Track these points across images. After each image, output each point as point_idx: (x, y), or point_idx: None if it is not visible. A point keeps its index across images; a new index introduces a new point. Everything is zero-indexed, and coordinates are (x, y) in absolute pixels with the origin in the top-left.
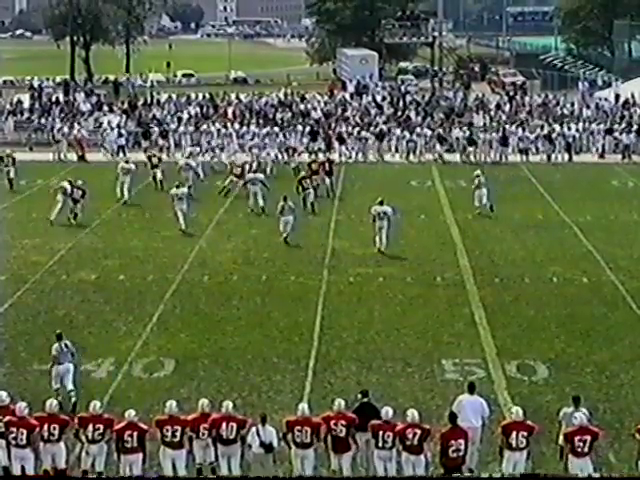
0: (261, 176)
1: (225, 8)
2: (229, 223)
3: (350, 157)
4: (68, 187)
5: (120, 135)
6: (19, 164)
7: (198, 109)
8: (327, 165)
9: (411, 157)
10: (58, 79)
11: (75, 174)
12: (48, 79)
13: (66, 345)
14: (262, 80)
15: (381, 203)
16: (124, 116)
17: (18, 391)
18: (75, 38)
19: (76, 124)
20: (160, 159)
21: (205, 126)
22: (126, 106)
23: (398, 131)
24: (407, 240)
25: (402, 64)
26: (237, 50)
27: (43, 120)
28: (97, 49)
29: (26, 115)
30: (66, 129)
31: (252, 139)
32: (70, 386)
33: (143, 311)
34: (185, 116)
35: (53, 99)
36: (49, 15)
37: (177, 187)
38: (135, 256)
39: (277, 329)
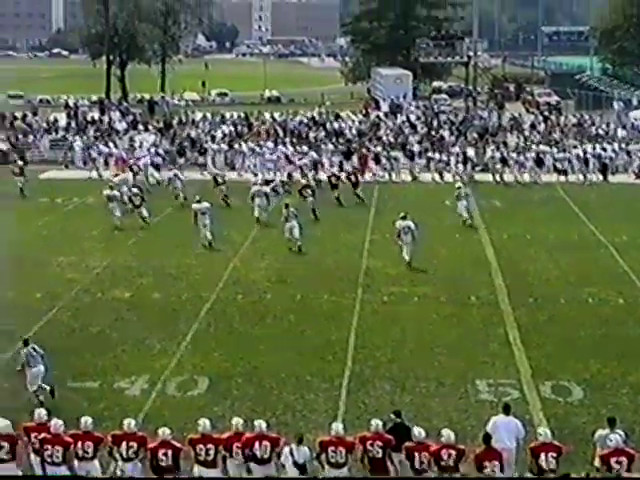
0: (266, 188)
1: (260, 27)
2: (263, 241)
3: (383, 176)
4: (116, 194)
5: (156, 154)
6: (57, 182)
7: (232, 128)
8: (353, 177)
9: (446, 176)
10: (94, 98)
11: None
12: (84, 98)
13: (34, 349)
14: (296, 99)
15: (404, 218)
16: (159, 135)
17: (52, 408)
18: (111, 57)
19: (111, 143)
20: (224, 178)
21: (238, 145)
22: (161, 125)
23: (431, 151)
24: (441, 259)
25: (436, 83)
26: (271, 69)
27: (79, 138)
28: (133, 68)
29: (62, 133)
30: (102, 147)
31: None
32: (44, 385)
33: (177, 329)
34: (219, 135)
35: (89, 118)
36: (86, 34)
37: (199, 202)
38: (169, 274)
39: (311, 348)
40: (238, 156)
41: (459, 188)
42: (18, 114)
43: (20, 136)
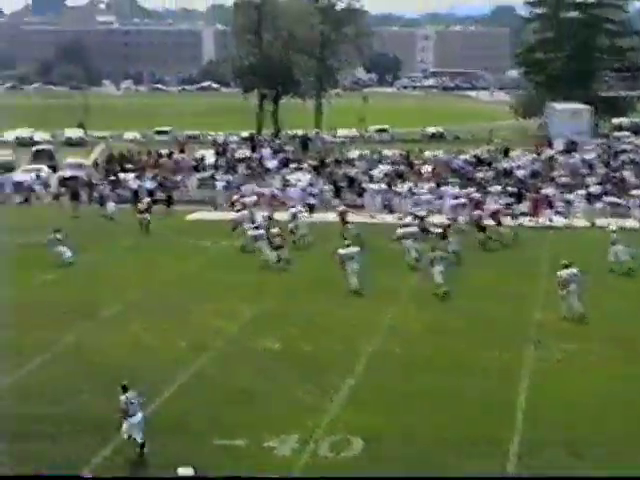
0: (414, 229)
1: (423, 59)
2: (422, 288)
3: (558, 221)
4: (262, 232)
5: (310, 194)
6: (204, 223)
7: (391, 167)
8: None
9: (629, 222)
10: (244, 134)
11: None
12: (232, 134)
13: (133, 397)
14: (462, 136)
15: (568, 266)
16: (313, 173)
17: (196, 466)
18: (264, 90)
19: (262, 182)
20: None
21: (395, 185)
22: (316, 163)
23: (611, 194)
24: (619, 314)
25: (617, 119)
26: (435, 103)
27: (229, 176)
28: (286, 102)
29: (210, 172)
30: (252, 186)
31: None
32: (140, 438)
33: (330, 384)
34: (377, 174)
35: (238, 155)
36: (238, 66)
37: (347, 247)
38: (321, 324)
39: (474, 408)
40: (396, 197)
41: (613, 232)
42: (164, 151)
43: (167, 175)
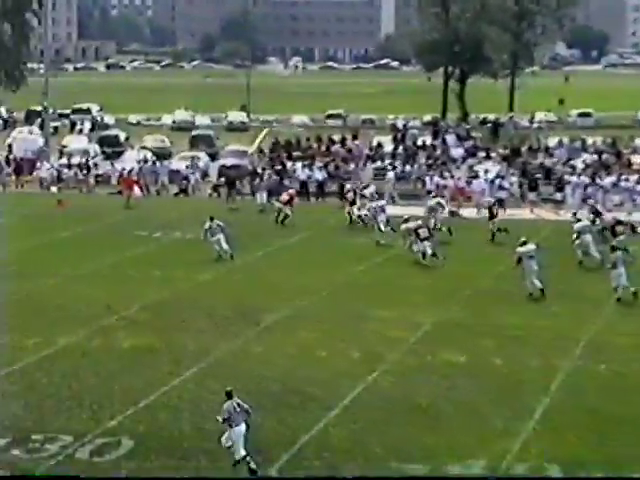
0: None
1: (634, 33)
2: (627, 300)
3: None
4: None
5: (500, 187)
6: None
7: (595, 156)
8: None
9: None
10: (427, 118)
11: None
12: (415, 118)
13: (238, 404)
14: None
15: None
16: (504, 164)
17: None
18: (450, 69)
19: (446, 173)
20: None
21: (599, 178)
22: (507, 152)
23: None
24: None
25: None
26: None
27: (408, 167)
28: (475, 82)
29: (387, 161)
30: (437, 179)
31: None
32: (242, 452)
33: (523, 404)
34: (579, 165)
35: (419, 142)
36: (420, 41)
37: (524, 244)
38: (514, 336)
39: None
40: (599, 192)
41: None
42: (336, 137)
43: (340, 163)
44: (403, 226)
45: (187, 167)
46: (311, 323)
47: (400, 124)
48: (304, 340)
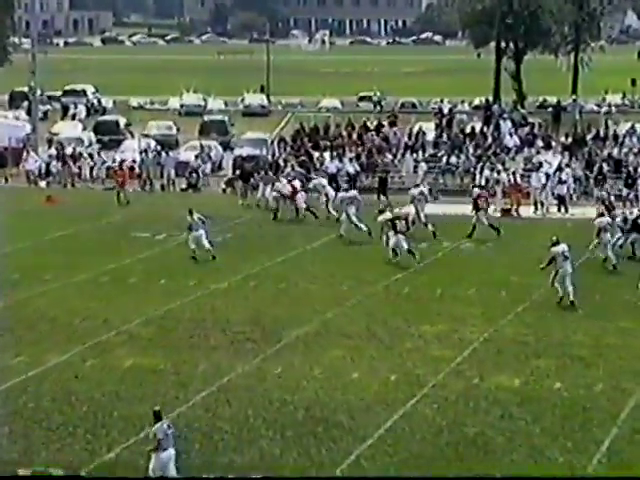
0: None
1: None
2: None
3: None
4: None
5: (560, 181)
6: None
7: None
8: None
9: None
10: (476, 101)
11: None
12: (462, 102)
13: (169, 426)
14: None
15: None
16: (566, 155)
17: None
18: (503, 44)
19: (499, 165)
20: None
21: None
22: (569, 141)
23: None
24: None
25: None
26: None
27: (453, 159)
28: (532, 59)
29: (430, 151)
30: (487, 172)
31: None
32: (174, 473)
33: (587, 435)
34: None
35: (467, 129)
36: (467, 12)
37: (556, 243)
38: (577, 356)
39: None
40: None
41: None
42: (370, 123)
43: (374, 154)
44: (380, 217)
45: (197, 158)
46: (339, 339)
47: (445, 108)
48: (331, 359)
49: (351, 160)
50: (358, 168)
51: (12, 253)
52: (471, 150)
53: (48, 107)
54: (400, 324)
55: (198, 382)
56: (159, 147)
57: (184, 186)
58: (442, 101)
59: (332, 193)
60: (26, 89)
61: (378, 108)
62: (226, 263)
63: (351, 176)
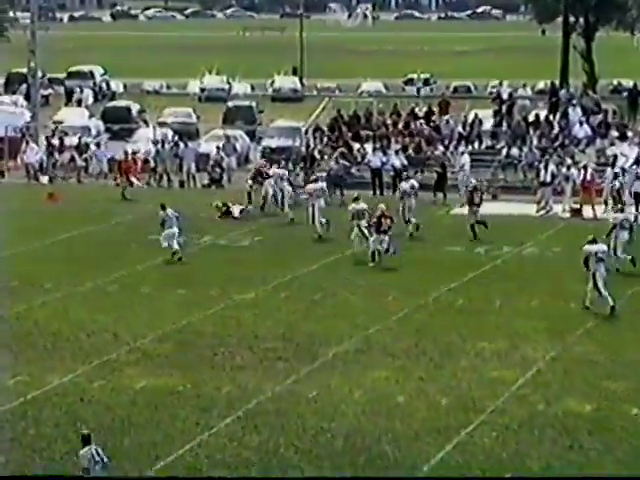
0: None
1: None
2: None
3: None
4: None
5: (638, 177)
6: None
7: None
8: None
9: None
10: (540, 85)
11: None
12: (525, 85)
13: (97, 452)
14: None
15: None
16: None
17: None
18: (571, 19)
19: (568, 158)
20: None
21: None
22: None
23: None
24: None
25: None
26: None
27: (514, 151)
28: (605, 37)
29: (487, 143)
30: (553, 167)
31: None
32: None
33: None
34: None
35: (531, 117)
36: None
37: (593, 242)
38: None
39: None
40: None
41: None
42: (419, 110)
43: (423, 145)
44: (351, 206)
45: (220, 150)
46: (383, 358)
47: (504, 93)
48: (374, 381)
49: (397, 152)
50: (405, 162)
51: (9, 258)
52: (535, 141)
53: (50, 91)
54: (453, 340)
55: (222, 406)
56: (177, 137)
57: (206, 182)
58: (501, 84)
59: (289, 189)
60: (25, 70)
61: (427, 92)
62: (254, 270)
63: (397, 171)
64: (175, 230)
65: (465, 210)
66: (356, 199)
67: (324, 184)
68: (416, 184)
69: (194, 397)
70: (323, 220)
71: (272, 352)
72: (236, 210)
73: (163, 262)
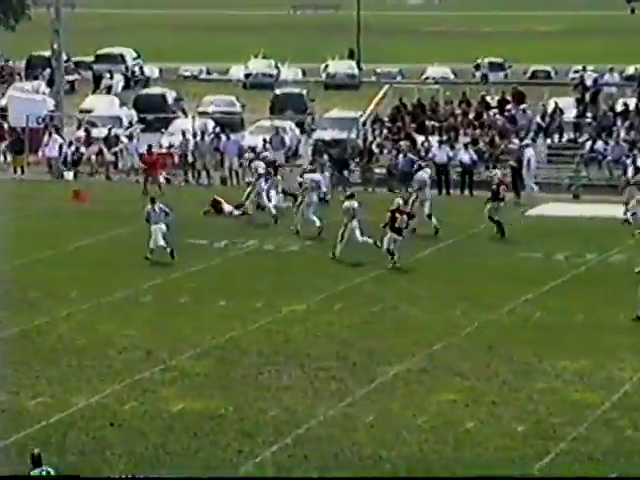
0: None
1: None
2: None
3: None
4: None
5: None
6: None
7: None
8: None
9: None
10: (630, 70)
11: None
12: (612, 70)
13: (48, 473)
14: None
15: None
16: None
17: None
18: None
19: None
20: None
21: None
22: None
23: None
24: None
25: None
26: None
27: (600, 144)
28: None
29: (569, 135)
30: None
31: None
32: None
33: None
34: None
35: (618, 107)
36: None
37: None
38: None
39: None
40: None
41: None
42: (491, 99)
43: (496, 138)
44: (347, 203)
45: (267, 142)
46: (451, 379)
47: (589, 79)
48: (440, 404)
49: (466, 146)
50: (475, 157)
51: (29, 265)
52: (622, 134)
53: (76, 77)
54: (529, 359)
55: (268, 432)
56: (218, 129)
57: (250, 179)
58: (585, 70)
59: (262, 186)
60: (48, 53)
61: (501, 78)
62: (304, 279)
63: (465, 167)
64: (162, 226)
65: (539, 211)
66: (351, 196)
67: (321, 177)
68: (431, 174)
69: (237, 421)
70: (314, 218)
71: (324, 371)
72: (227, 208)
73: (202, 269)
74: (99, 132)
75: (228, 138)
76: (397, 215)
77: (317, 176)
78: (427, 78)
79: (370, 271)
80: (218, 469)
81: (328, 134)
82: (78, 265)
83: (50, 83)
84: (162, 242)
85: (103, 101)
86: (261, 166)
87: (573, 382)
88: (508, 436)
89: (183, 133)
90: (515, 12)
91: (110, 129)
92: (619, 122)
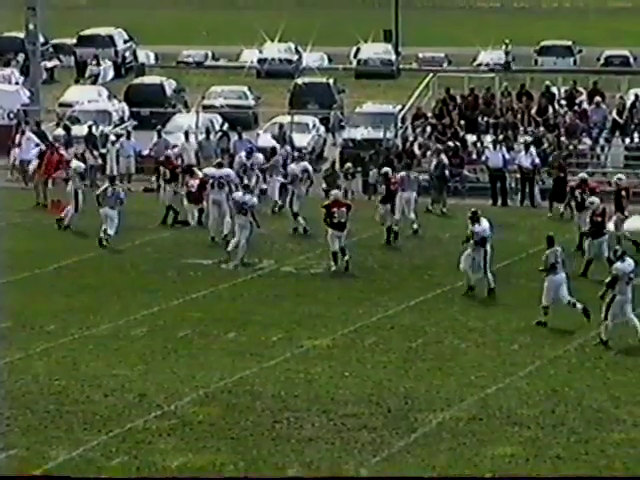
0: None
1: None
2: None
3: None
4: None
5: None
6: None
7: None
8: None
9: None
10: None
11: None
12: None
13: None
14: None
15: None
16: None
17: None
18: None
19: None
20: None
21: None
22: None
23: None
24: None
25: None
26: None
27: None
28: None
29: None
30: None
31: None
32: None
33: None
34: None
35: None
36: None
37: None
38: None
39: None
40: None
41: None
42: (556, 90)
43: (563, 137)
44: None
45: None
46: (508, 428)
47: None
48: (496, 459)
49: (527, 147)
50: (537, 160)
51: None
52: None
53: (55, 63)
54: (603, 404)
55: None
56: (227, 126)
57: (265, 186)
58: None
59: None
60: (22, 35)
61: (569, 65)
62: (330, 307)
63: (525, 172)
64: (112, 212)
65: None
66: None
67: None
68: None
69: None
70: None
71: (354, 419)
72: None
73: (207, 295)
74: (82, 130)
75: (239, 137)
76: (333, 209)
77: (305, 164)
78: (479, 65)
79: (409, 298)
80: None
81: (360, 132)
82: (57, 291)
83: (24, 71)
84: (112, 231)
85: (88, 92)
86: (299, 169)
87: None
88: None
89: (185, 132)
90: None
91: (94, 126)
92: None
